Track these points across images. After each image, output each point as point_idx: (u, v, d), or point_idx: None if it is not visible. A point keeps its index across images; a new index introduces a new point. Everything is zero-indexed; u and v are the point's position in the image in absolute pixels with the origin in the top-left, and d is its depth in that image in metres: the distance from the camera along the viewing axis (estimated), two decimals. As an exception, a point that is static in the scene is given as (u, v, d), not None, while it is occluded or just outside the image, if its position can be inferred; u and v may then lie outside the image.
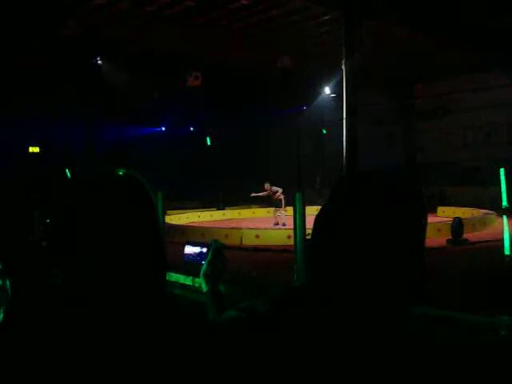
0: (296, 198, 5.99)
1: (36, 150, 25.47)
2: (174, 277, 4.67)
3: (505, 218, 10.05)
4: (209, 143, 30.67)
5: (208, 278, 2.20)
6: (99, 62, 21.09)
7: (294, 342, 1.13)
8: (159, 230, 1.36)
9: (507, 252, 9.72)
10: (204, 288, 2.19)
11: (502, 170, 10.07)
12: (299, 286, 1.25)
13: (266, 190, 21.34)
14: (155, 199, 1.42)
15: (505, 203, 10.03)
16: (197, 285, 3.79)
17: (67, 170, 20.12)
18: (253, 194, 22.10)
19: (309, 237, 1.32)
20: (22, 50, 17.49)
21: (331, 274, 1.18)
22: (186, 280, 4.29)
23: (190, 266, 2.51)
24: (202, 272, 2.23)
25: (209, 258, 2.25)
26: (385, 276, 1.16)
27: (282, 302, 1.22)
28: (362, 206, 1.19)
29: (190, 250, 2.52)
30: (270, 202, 22.22)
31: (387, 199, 1.20)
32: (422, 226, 1.23)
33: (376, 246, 1.16)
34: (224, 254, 2.29)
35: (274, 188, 21.05)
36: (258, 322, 1.19)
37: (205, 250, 2.39)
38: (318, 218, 1.25)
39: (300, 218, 5.94)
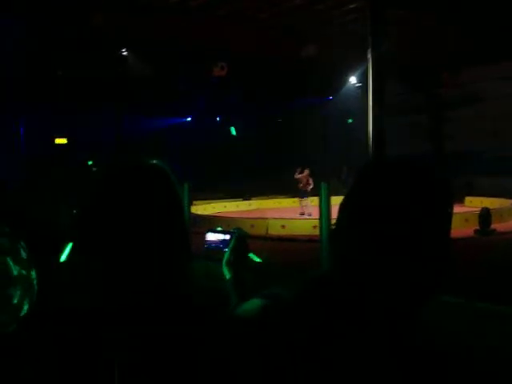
0: (322, 188, 5.97)
1: (63, 141, 25.70)
2: (196, 265, 4.67)
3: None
4: (234, 133, 30.63)
5: (231, 265, 2.20)
6: (125, 53, 21.20)
7: (321, 330, 1.12)
8: (185, 220, 1.37)
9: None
10: (227, 275, 2.19)
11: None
12: (324, 273, 1.24)
13: (304, 175, 21.35)
14: (181, 190, 1.44)
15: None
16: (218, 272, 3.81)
17: (90, 162, 20.31)
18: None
19: (334, 226, 1.31)
20: (50, 41, 17.66)
21: (356, 261, 1.18)
22: (208, 267, 4.29)
23: (212, 253, 2.51)
24: (224, 260, 2.23)
25: (231, 245, 2.24)
26: (410, 264, 1.15)
27: (307, 289, 1.21)
28: (387, 194, 1.17)
29: (212, 237, 2.52)
30: (296, 189, 22.18)
31: (412, 187, 1.18)
32: (448, 214, 1.21)
33: (401, 233, 1.15)
34: (247, 242, 2.29)
35: (310, 180, 21.05)
36: (283, 309, 1.19)
37: (227, 237, 2.39)
38: (343, 206, 1.24)
39: (326, 208, 5.93)
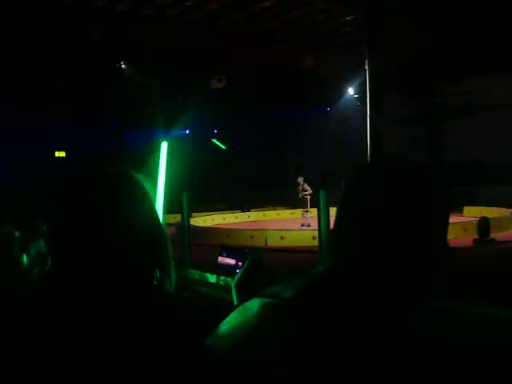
0: (320, 196, 5.94)
1: (62, 154, 25.71)
2: (203, 275, 4.60)
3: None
4: (223, 147, 30.57)
5: (240, 290, 2.01)
6: (123, 66, 21.25)
7: (322, 328, 1.13)
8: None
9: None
10: (235, 301, 2.00)
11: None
12: (322, 272, 1.24)
13: (299, 184, 21.35)
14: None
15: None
16: (221, 283, 3.73)
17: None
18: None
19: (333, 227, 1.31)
20: (49, 55, 17.72)
21: (354, 260, 1.19)
22: (212, 278, 4.24)
23: (224, 271, 2.39)
24: (234, 282, 2.04)
25: (244, 267, 2.05)
26: (407, 263, 1.17)
27: (306, 287, 1.22)
28: (383, 193, 1.19)
29: (224, 255, 2.40)
30: (296, 200, 22.15)
31: (409, 186, 1.20)
32: (445, 214, 1.23)
33: (398, 232, 1.16)
34: (263, 266, 2.07)
35: (306, 186, 21.04)
36: (282, 307, 1.19)
37: (241, 258, 2.24)
38: (340, 206, 1.25)
39: (324, 217, 5.91)
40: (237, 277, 2.04)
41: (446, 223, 1.23)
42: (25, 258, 1.91)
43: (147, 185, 1.43)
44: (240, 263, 2.25)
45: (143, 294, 1.32)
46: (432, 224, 1.20)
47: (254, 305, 1.25)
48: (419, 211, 1.18)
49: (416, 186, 1.21)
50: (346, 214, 1.24)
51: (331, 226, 1.25)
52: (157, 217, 1.44)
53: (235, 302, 1.99)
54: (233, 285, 2.04)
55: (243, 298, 1.91)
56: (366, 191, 1.22)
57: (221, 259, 2.42)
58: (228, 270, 2.35)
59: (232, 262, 2.36)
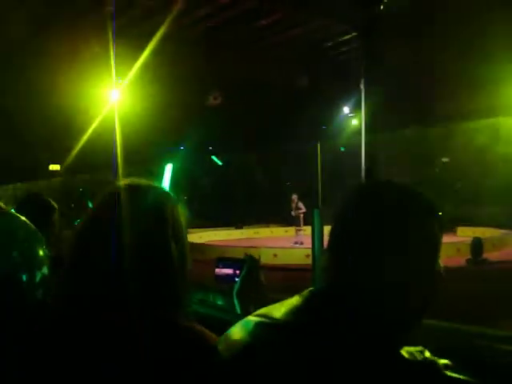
0: (314, 215, 5.93)
1: (57, 168, 25.67)
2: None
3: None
4: (220, 163, 30.59)
5: (242, 297, 2.03)
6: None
7: (314, 348, 1.12)
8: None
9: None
10: (238, 310, 2.02)
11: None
12: (316, 292, 1.25)
13: (293, 201, 21.43)
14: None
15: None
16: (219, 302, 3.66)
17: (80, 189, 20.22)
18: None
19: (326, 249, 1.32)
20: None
21: (347, 281, 1.19)
22: (215, 298, 4.16)
23: (223, 283, 2.38)
24: (235, 291, 2.06)
25: (243, 274, 2.08)
26: (398, 286, 1.17)
27: (299, 307, 1.22)
28: (371, 218, 1.19)
29: (222, 266, 2.41)
30: (290, 218, 22.18)
31: (398, 212, 1.20)
32: (435, 237, 1.22)
33: (386, 256, 1.16)
34: (259, 270, 2.12)
35: (300, 204, 21.13)
36: (275, 327, 1.19)
37: (238, 266, 2.25)
38: (334, 227, 1.26)
39: (318, 236, 5.89)
40: (236, 285, 2.07)
41: (437, 246, 1.23)
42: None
43: None
44: (238, 271, 2.27)
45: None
46: (421, 248, 1.20)
47: (248, 324, 1.26)
48: (408, 236, 1.18)
49: (405, 213, 1.21)
50: (339, 236, 1.25)
51: (325, 246, 1.26)
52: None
53: (238, 311, 2.01)
54: (234, 293, 2.06)
55: (245, 305, 2.00)
56: (354, 216, 1.24)
57: (218, 271, 2.44)
58: (227, 280, 2.37)
59: (230, 271, 2.38)
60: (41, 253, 1.57)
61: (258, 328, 1.23)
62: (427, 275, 1.20)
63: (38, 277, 1.52)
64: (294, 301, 1.25)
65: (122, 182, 1.42)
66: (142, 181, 1.44)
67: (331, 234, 1.26)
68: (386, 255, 1.17)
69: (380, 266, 1.17)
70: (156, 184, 1.45)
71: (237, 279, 2.11)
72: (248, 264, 2.10)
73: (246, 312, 1.88)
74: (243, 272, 2.08)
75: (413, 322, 1.22)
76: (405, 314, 1.20)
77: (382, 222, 1.19)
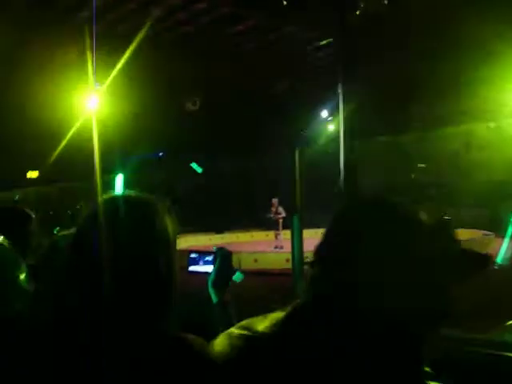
0: (293, 221, 5.95)
1: (34, 175, 25.42)
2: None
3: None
4: (199, 170, 30.43)
5: (217, 287, 2.11)
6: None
7: (299, 362, 1.11)
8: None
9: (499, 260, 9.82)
10: (214, 299, 2.09)
11: None
12: (300, 306, 1.24)
13: (273, 205, 21.43)
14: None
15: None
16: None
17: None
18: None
19: (308, 259, 1.31)
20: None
21: (338, 294, 1.17)
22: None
23: (196, 275, 2.41)
24: (210, 281, 2.13)
25: (216, 265, 2.14)
26: (392, 303, 1.14)
27: (286, 319, 1.22)
28: (359, 235, 1.18)
29: (195, 257, 2.43)
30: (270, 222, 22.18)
31: (397, 227, 1.20)
32: (429, 251, 1.22)
33: (373, 272, 1.15)
34: (231, 260, 2.20)
35: (280, 208, 21.13)
36: (259, 340, 1.19)
37: (211, 257, 2.30)
38: (320, 243, 1.25)
39: (297, 241, 5.90)
40: (211, 276, 2.14)
41: (432, 262, 1.22)
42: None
43: None
44: (211, 264, 2.31)
45: None
46: (416, 264, 1.18)
47: (230, 336, 1.25)
48: (399, 252, 1.18)
49: (391, 230, 1.20)
50: (324, 251, 1.24)
51: (304, 250, 1.26)
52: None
53: (214, 300, 2.09)
54: (209, 283, 2.13)
55: (220, 294, 2.07)
56: (340, 232, 1.23)
57: (192, 261, 2.46)
58: (200, 273, 2.41)
59: (202, 266, 2.40)
60: (16, 274, 1.59)
61: (239, 341, 1.23)
62: (428, 289, 1.19)
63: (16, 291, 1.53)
64: (279, 314, 1.24)
65: (108, 195, 1.42)
66: (131, 193, 1.44)
67: (316, 250, 1.25)
68: (385, 271, 1.16)
69: (378, 284, 1.15)
70: (145, 195, 1.44)
71: (210, 271, 2.19)
72: (219, 254, 2.19)
73: (221, 301, 2.04)
74: (216, 263, 2.15)
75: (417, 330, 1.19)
76: (395, 330, 1.16)
77: (366, 241, 1.17)
